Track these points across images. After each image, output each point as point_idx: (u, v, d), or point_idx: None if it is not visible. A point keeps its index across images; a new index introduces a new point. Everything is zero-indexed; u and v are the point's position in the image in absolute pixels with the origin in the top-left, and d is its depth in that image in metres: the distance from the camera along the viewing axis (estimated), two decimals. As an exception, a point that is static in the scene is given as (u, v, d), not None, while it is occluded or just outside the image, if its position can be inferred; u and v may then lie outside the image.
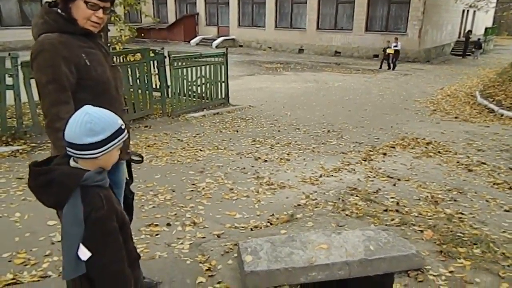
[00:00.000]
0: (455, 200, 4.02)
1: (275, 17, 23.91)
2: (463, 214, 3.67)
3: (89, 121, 1.38)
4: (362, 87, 12.22)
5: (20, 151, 5.29)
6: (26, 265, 2.76)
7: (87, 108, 1.42)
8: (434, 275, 2.60)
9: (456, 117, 8.20)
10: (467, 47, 23.15)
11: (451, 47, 24.45)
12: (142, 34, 22.52)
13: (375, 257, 2.56)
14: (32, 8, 19.91)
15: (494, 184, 4.54)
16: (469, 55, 22.91)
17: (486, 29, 27.52)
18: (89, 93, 1.88)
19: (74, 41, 1.85)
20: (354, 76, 14.78)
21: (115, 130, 1.43)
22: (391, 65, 17.14)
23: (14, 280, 2.57)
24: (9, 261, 2.80)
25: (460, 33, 26.38)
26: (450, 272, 2.64)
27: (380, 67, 17.30)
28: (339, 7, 21.52)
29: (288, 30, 23.43)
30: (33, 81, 5.78)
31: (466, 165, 5.17)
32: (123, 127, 1.47)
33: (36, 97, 5.87)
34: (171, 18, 28.04)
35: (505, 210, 3.81)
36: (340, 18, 21.68)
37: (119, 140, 1.45)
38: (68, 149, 1.42)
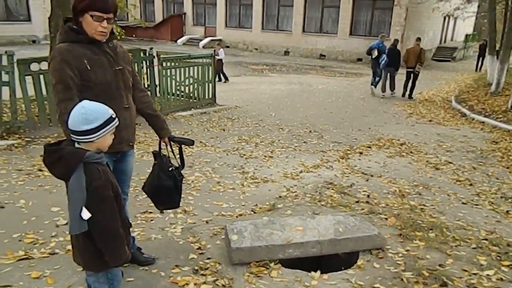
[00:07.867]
0: (420, 194, 4.53)
1: (262, 19, 24.43)
2: (425, 205, 4.18)
3: (84, 113, 1.83)
4: (344, 90, 12.77)
5: (16, 145, 5.58)
6: (35, 244, 3.11)
7: (83, 103, 1.88)
8: (392, 253, 3.07)
9: (430, 120, 8.79)
10: (483, 57, 19.29)
11: (432, 52, 25.34)
12: (133, 35, 22.88)
13: (343, 237, 3.02)
14: (17, 3, 19.91)
15: (457, 181, 5.07)
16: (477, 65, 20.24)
17: (466, 35, 28.57)
18: (90, 93, 2.27)
19: (80, 49, 2.27)
20: (338, 79, 15.34)
21: (106, 119, 1.87)
22: (222, 76, 13.05)
23: (26, 256, 2.92)
24: (20, 241, 3.15)
25: (441, 39, 27.35)
26: (407, 250, 3.12)
27: (220, 79, 12.80)
28: (324, 11, 22.19)
29: (275, 32, 23.98)
30: (27, 78, 6.11)
31: (434, 164, 5.69)
32: (113, 116, 1.92)
33: (30, 92, 6.17)
34: (158, 17, 28.32)
35: (463, 203, 4.33)
36: (325, 22, 22.34)
37: (111, 127, 1.90)
38: (71, 135, 1.86)
